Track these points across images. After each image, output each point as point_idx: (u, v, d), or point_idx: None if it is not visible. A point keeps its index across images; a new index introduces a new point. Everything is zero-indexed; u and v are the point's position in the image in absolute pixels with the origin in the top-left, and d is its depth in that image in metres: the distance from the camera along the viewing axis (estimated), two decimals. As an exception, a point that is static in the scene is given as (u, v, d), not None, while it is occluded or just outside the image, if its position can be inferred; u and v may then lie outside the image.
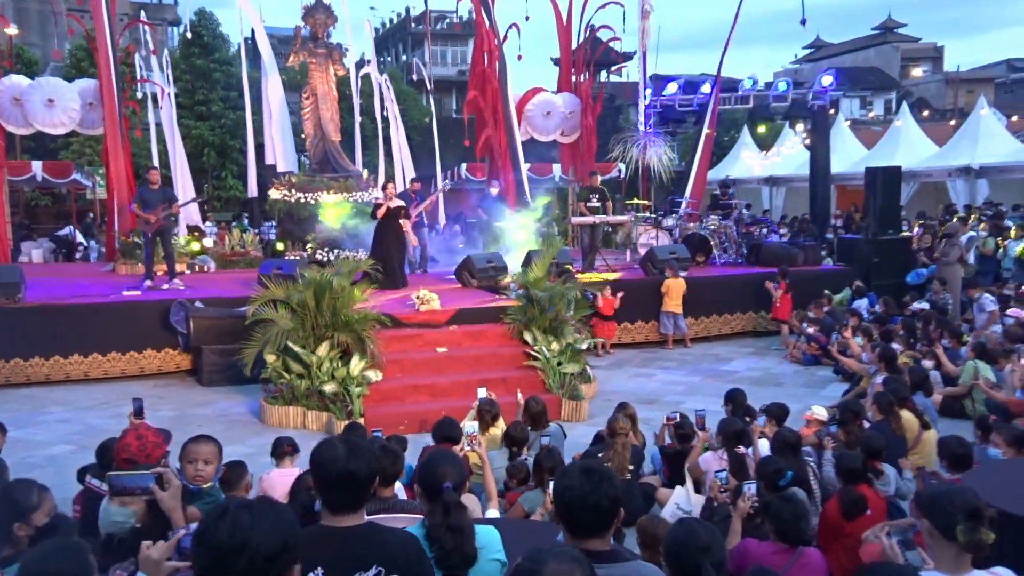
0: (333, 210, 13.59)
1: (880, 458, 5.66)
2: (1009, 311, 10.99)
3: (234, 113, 26.53)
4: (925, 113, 40.68)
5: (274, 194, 14.36)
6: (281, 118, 16.01)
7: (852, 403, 6.83)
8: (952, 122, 32.64)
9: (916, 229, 16.73)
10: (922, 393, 7.78)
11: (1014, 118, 31.51)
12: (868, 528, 4.68)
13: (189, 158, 19.00)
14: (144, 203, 11.93)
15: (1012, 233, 15.17)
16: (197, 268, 15.14)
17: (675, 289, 12.77)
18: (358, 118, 19.10)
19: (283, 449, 5.79)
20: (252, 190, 18.44)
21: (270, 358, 9.22)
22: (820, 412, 7.32)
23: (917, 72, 56.61)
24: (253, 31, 17.50)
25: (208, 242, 16.50)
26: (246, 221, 23.38)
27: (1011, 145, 20.57)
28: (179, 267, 13.59)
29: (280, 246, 14.33)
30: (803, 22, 17.36)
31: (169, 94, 17.68)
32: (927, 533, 3.11)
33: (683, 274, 13.10)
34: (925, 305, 11.93)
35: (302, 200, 13.89)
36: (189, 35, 25.37)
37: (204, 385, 10.65)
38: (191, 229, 16.86)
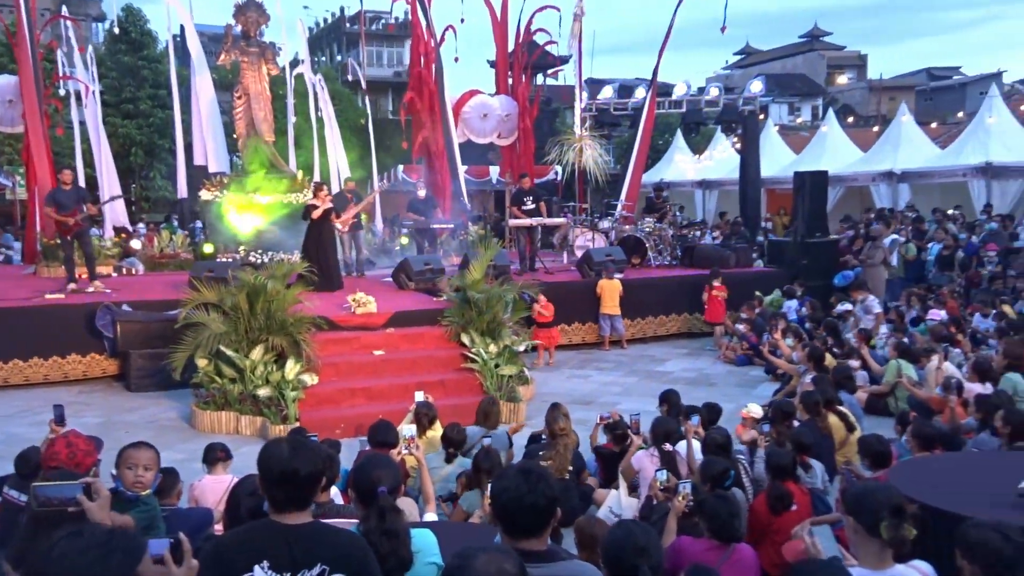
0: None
1: (809, 452, 5.83)
2: (930, 312, 11.40)
3: (163, 112, 25.88)
4: (850, 119, 41.97)
5: (205, 195, 14.05)
6: (212, 117, 15.68)
7: (783, 403, 7.00)
8: (875, 128, 33.72)
9: (847, 232, 17.19)
10: (846, 391, 8.03)
11: (933, 124, 32.72)
12: (794, 522, 4.81)
13: (116, 157, 18.45)
14: (57, 204, 11.52)
15: (934, 236, 15.71)
16: (124, 271, 14.71)
17: (609, 290, 12.91)
18: (292, 118, 18.82)
19: (215, 455, 5.66)
20: (182, 191, 18.00)
21: (202, 362, 9.04)
22: (755, 410, 7.54)
23: (842, 79, 58.43)
24: (182, 28, 17.10)
25: (136, 244, 16.05)
26: (175, 222, 22.82)
27: (931, 151, 21.36)
28: (106, 270, 13.20)
29: (208, 248, 14.02)
30: (723, 29, 17.84)
31: (93, 91, 17.15)
32: (852, 530, 3.21)
33: (619, 276, 13.25)
34: (849, 307, 12.29)
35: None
36: (116, 31, 24.67)
37: (132, 391, 10.36)
38: (118, 230, 16.38)
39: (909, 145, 21.22)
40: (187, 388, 9.42)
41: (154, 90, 26.85)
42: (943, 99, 52.46)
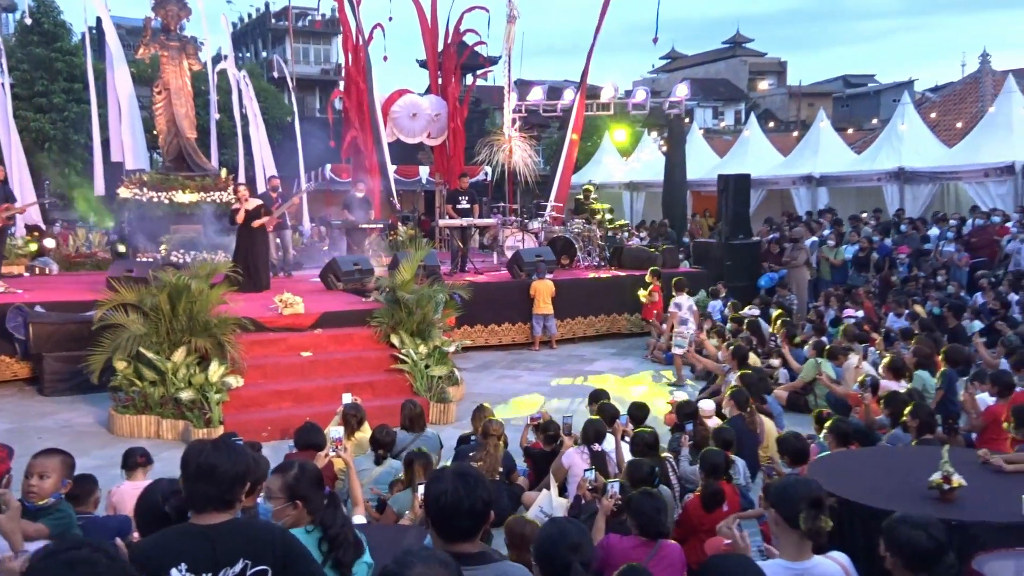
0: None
1: (731, 449, 5.97)
2: (846, 311, 11.79)
3: (78, 106, 24.93)
4: (771, 124, 43.13)
5: (124, 193, 13.63)
6: (130, 113, 15.20)
7: (684, 405, 7.09)
8: (795, 133, 34.71)
9: (770, 235, 17.58)
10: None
11: (849, 130, 33.85)
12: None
13: (28, 153, 17.71)
14: None
15: (850, 238, 16.22)
16: (37, 270, 14.15)
17: (542, 291, 12.99)
18: (215, 115, 18.37)
19: (135, 460, 5.50)
20: (99, 188, 17.40)
21: (120, 365, 8.76)
22: (681, 396, 7.75)
23: (763, 85, 59.96)
24: (99, 20, 16.54)
25: (50, 243, 15.45)
26: (91, 220, 22.00)
27: (848, 156, 22.11)
28: (18, 269, 12.72)
29: (121, 248, 13.61)
30: (655, 40, 18.23)
31: (3, 84, 16.44)
32: (773, 522, 3.32)
33: (549, 276, 13.34)
34: (755, 311, 12.53)
35: (155, 199, 13.25)
36: (28, 21, 23.67)
37: (45, 395, 9.97)
38: (30, 229, 15.74)
39: (827, 150, 21.91)
40: (105, 392, 9.13)
41: (69, 83, 25.83)
42: (859, 106, 54.39)
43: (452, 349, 10.47)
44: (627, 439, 6.29)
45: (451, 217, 14.42)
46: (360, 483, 5.37)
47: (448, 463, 6.09)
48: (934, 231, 16.06)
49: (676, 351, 10.81)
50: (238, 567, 2.50)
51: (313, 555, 2.83)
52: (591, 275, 14.52)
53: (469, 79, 24.64)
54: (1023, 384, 7.15)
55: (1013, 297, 11.75)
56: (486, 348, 12.99)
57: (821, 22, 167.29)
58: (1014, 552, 3.87)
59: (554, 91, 19.37)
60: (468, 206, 14.37)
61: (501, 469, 6.31)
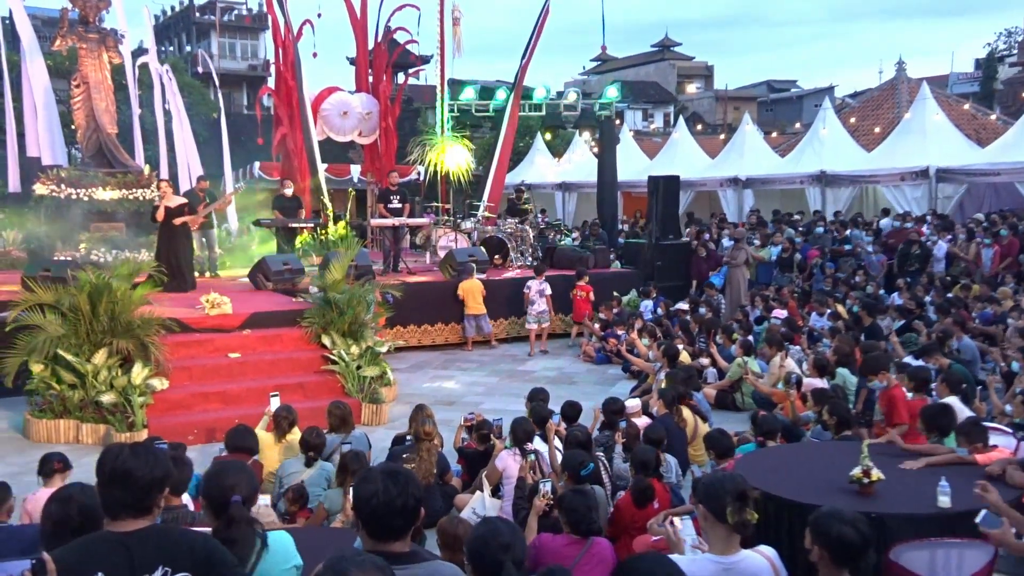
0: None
1: (661, 447, 6.06)
2: (774, 312, 12.08)
3: (-9, 98, 23.92)
4: (699, 127, 43.90)
5: (40, 189, 13.13)
6: (46, 106, 14.66)
7: (611, 402, 7.17)
8: (722, 136, 35.42)
9: (703, 236, 17.86)
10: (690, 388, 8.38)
11: (773, 134, 34.72)
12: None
13: (-65, 147, 16.92)
14: None
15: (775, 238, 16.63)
16: (-55, 270, 13.51)
17: (471, 291, 12.97)
18: (136, 110, 17.83)
19: (52, 466, 5.31)
20: (14, 184, 16.72)
21: (37, 368, 8.44)
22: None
23: (691, 88, 61.05)
24: (11, 11, 15.89)
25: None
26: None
27: (772, 159, 22.69)
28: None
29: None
30: (603, 48, 18.42)
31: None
32: (703, 517, 3.39)
33: (481, 276, 13.32)
34: (684, 306, 12.80)
35: (74, 196, 12.79)
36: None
37: (-45, 400, 9.53)
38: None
39: (752, 153, 22.44)
40: (20, 396, 8.79)
41: (-20, 75, 24.77)
42: (782, 110, 55.87)
43: (384, 349, 10.38)
44: (559, 438, 6.34)
45: (383, 216, 14.30)
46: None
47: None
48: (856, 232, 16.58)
49: (528, 327, 13.02)
50: (157, 574, 2.44)
51: (236, 562, 2.75)
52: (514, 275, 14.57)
53: (401, 78, 24.47)
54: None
55: (927, 297, 12.18)
56: (419, 348, 12.91)
57: (745, 27, 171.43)
58: (929, 543, 4.02)
59: (486, 91, 19.37)
60: (399, 205, 14.26)
61: (435, 471, 6.28)
